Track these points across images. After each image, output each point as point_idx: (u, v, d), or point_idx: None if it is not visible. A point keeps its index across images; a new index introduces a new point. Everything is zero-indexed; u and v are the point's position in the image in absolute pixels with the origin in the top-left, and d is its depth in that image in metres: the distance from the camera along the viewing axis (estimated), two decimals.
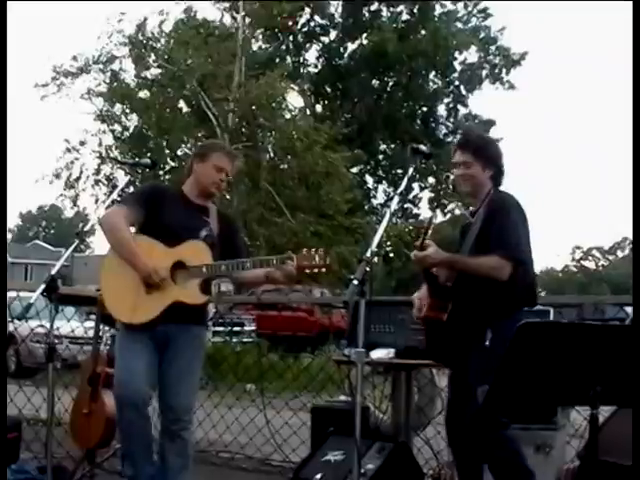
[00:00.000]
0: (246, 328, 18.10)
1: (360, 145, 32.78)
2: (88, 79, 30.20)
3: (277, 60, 34.15)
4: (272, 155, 29.65)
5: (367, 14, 35.45)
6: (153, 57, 30.08)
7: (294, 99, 33.28)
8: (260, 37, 34.87)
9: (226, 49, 28.08)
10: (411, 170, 4.52)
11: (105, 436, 5.52)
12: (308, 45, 36.67)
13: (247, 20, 29.92)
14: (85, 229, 5.29)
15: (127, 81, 30.97)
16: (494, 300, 4.27)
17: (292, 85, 32.21)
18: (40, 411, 7.06)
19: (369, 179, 36.69)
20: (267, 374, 9.59)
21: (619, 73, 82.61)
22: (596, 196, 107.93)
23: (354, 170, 31.92)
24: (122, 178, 27.75)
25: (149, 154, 26.66)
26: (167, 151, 29.96)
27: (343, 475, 4.82)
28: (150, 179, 23.10)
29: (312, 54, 36.89)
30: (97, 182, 29.88)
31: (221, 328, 14.77)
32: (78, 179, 29.92)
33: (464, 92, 36.83)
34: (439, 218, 33.76)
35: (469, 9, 35.88)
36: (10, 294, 7.94)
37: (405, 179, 4.58)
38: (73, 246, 4.90)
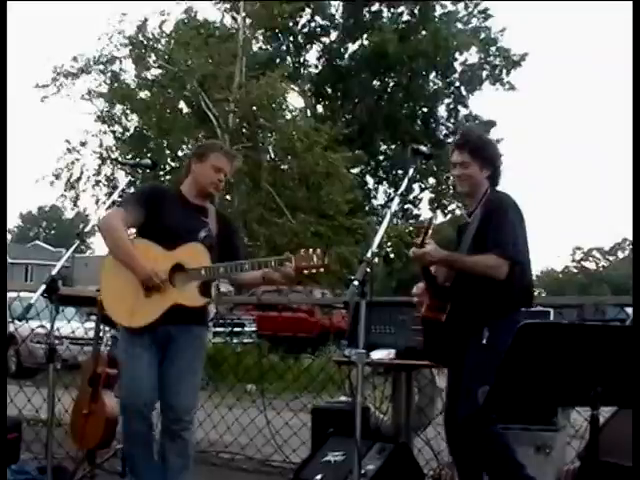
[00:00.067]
0: (247, 329, 18.10)
1: (361, 146, 32.79)
2: (89, 80, 30.22)
3: (277, 61, 34.16)
4: (272, 156, 29.64)
5: (368, 15, 35.45)
6: (153, 57, 30.07)
7: (294, 100, 33.32)
8: (260, 38, 34.89)
9: (227, 50, 28.06)
10: (412, 171, 4.52)
11: (105, 437, 5.52)
12: (309, 46, 36.68)
13: (248, 21, 29.91)
14: (85, 230, 5.26)
15: (127, 82, 30.98)
16: (491, 299, 4.29)
17: (292, 86, 32.21)
18: (40, 412, 7.06)
19: (370, 180, 36.70)
20: (268, 375, 9.60)
21: (619, 74, 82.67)
22: (596, 197, 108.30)
23: (354, 171, 31.90)
24: (122, 179, 27.81)
25: (149, 155, 26.67)
26: (167, 152, 29.95)
27: (343, 476, 4.82)
28: (150, 180, 23.09)
29: (313, 54, 36.94)
30: (97, 183, 29.89)
31: (221, 329, 14.77)
32: (79, 180, 29.92)
33: (464, 93, 36.83)
34: (439, 219, 33.84)
35: (469, 10, 35.89)
36: (10, 295, 7.94)
37: (406, 180, 4.58)
38: (73, 247, 4.89)
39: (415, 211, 36.60)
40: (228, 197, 28.26)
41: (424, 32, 34.29)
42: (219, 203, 25.19)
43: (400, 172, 34.33)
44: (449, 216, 34.31)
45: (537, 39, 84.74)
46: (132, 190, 7.04)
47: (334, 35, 36.50)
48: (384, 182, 36.78)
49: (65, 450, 6.16)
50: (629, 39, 5.83)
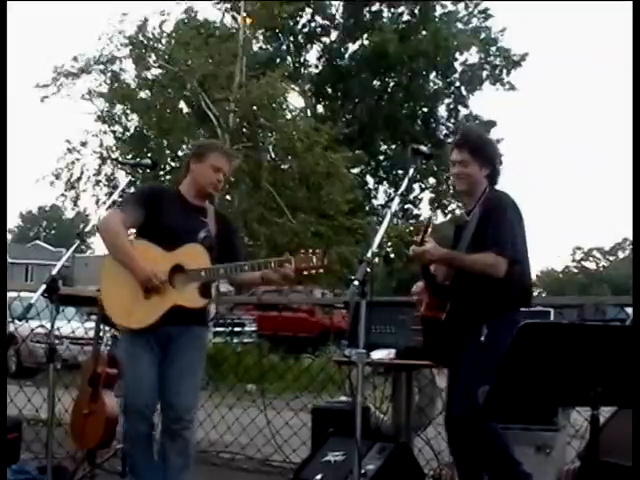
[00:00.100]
0: (247, 329, 18.12)
1: (361, 146, 32.79)
2: (89, 79, 30.21)
3: (278, 60, 34.16)
4: (273, 155, 29.62)
5: (368, 15, 35.45)
6: (154, 57, 30.07)
7: (295, 99, 33.29)
8: (261, 38, 34.89)
9: (227, 49, 28.05)
10: (412, 171, 4.52)
11: (105, 436, 5.52)
12: (309, 45, 36.67)
13: (248, 21, 29.90)
14: (86, 230, 5.26)
15: (128, 81, 30.98)
16: (490, 298, 4.31)
17: (293, 85, 32.20)
18: (40, 411, 7.06)
19: (370, 180, 36.69)
20: (268, 374, 9.61)
21: (619, 74, 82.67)
22: (597, 197, 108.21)
23: (355, 171, 31.88)
24: (123, 179, 27.79)
25: (150, 155, 26.66)
26: (168, 151, 29.93)
27: (344, 476, 4.82)
28: (151, 180, 23.09)
29: (313, 54, 36.92)
30: (98, 182, 29.85)
31: (222, 329, 14.78)
32: (79, 179, 29.90)
33: (465, 93, 36.82)
34: (440, 218, 33.84)
35: (470, 10, 35.89)
36: (11, 294, 7.94)
37: (406, 180, 4.59)
38: (74, 247, 4.90)
39: (415, 211, 36.61)
40: (228, 197, 28.25)
41: (424, 32, 34.29)
42: (219, 203, 25.20)
43: (400, 172, 34.32)
44: (449, 216, 34.31)
45: (537, 39, 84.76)
46: (131, 190, 7.02)
47: (334, 35, 36.50)
48: (384, 182, 36.78)
49: (65, 450, 6.17)
50: (629, 39, 5.83)
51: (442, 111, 37.02)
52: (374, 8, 35.34)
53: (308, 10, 35.24)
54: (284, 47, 36.22)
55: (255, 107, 27.73)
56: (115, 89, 30.20)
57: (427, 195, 36.79)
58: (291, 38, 36.01)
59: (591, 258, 74.08)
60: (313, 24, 36.30)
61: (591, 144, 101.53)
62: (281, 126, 28.21)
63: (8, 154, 6.01)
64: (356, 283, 3.74)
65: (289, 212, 27.23)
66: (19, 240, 73.67)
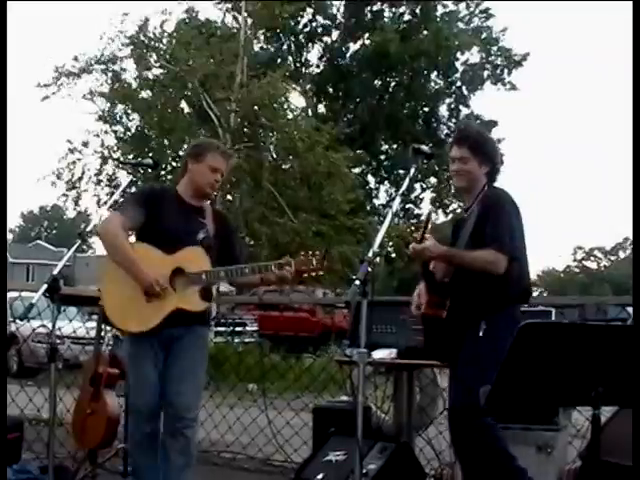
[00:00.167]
0: (248, 328, 18.13)
1: (362, 145, 32.79)
2: (90, 79, 30.22)
3: (279, 60, 34.17)
4: (274, 155, 29.63)
5: (369, 14, 35.44)
6: (155, 57, 30.07)
7: (296, 99, 33.30)
8: (262, 37, 34.88)
9: (228, 49, 28.05)
10: (413, 170, 4.52)
11: (107, 436, 5.53)
12: (310, 45, 36.66)
13: (249, 20, 29.91)
14: (87, 229, 5.26)
15: (129, 81, 31.00)
16: (488, 294, 4.31)
17: (294, 85, 32.21)
18: (42, 411, 7.07)
19: (371, 179, 36.67)
20: (269, 374, 9.61)
21: (620, 74, 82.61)
22: (598, 196, 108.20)
23: (356, 170, 31.87)
24: (124, 178, 27.87)
25: (151, 154, 26.65)
26: (169, 151, 29.92)
27: (345, 475, 4.82)
28: (152, 179, 23.12)
29: (314, 54, 36.92)
30: (99, 182, 29.87)
31: (223, 328, 14.79)
32: (80, 179, 29.92)
33: (466, 92, 36.81)
34: (441, 218, 33.83)
35: (471, 9, 35.88)
36: (12, 294, 7.96)
37: (407, 179, 4.59)
38: (75, 246, 4.91)
39: (416, 211, 36.59)
40: (230, 197, 28.27)
41: (425, 32, 34.28)
42: (221, 203, 25.22)
43: (401, 172, 34.29)
44: (450, 215, 34.29)
45: (539, 39, 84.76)
46: (131, 191, 7.04)
47: (335, 35, 36.47)
48: (385, 182, 36.76)
49: (67, 450, 6.17)
50: (630, 39, 5.82)
51: (443, 111, 37.05)
52: (375, 8, 35.33)
53: (309, 10, 35.23)
54: (285, 47, 36.21)
55: (256, 107, 27.73)
56: (116, 89, 30.21)
57: (428, 195, 36.82)
58: (292, 38, 35.99)
59: (592, 258, 74.10)
60: (314, 24, 36.29)
61: (592, 144, 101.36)
62: (282, 126, 28.21)
63: (9, 154, 6.03)
64: (357, 283, 3.73)
65: (290, 212, 27.24)
66: (20, 240, 73.71)
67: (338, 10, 36.25)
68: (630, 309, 5.68)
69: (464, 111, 36.77)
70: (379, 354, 5.49)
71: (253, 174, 27.75)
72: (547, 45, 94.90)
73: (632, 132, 5.33)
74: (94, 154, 29.98)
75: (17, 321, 9.12)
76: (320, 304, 18.31)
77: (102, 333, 5.80)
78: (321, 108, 36.27)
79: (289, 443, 6.83)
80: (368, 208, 34.75)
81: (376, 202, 36.59)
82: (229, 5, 31.54)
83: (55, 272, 4.48)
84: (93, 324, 6.43)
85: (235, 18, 31.16)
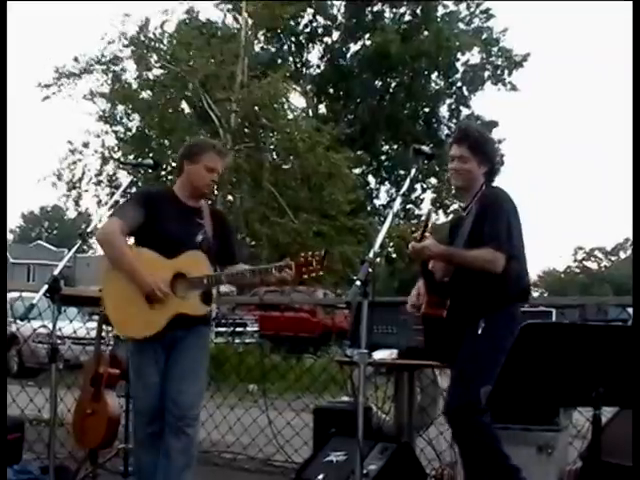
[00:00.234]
0: (249, 329, 18.12)
1: (362, 146, 32.82)
2: (91, 80, 30.27)
3: (279, 61, 34.20)
4: (275, 156, 29.67)
5: (370, 15, 35.46)
6: (155, 57, 30.10)
7: (296, 100, 33.37)
8: (262, 38, 34.90)
9: (229, 50, 28.10)
10: (414, 171, 4.53)
11: (107, 436, 5.52)
12: (310, 46, 36.69)
13: (250, 21, 29.93)
14: (88, 230, 5.26)
15: (129, 82, 31.03)
16: (488, 293, 4.32)
17: (294, 86, 32.24)
18: (43, 411, 7.07)
19: (371, 180, 36.73)
20: (270, 375, 9.61)
21: (621, 74, 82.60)
22: (598, 197, 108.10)
23: (356, 171, 31.92)
24: (124, 179, 27.88)
25: (151, 155, 26.71)
26: (169, 152, 29.96)
27: (345, 476, 4.81)
28: (152, 180, 23.14)
29: (314, 55, 36.96)
30: (99, 183, 29.94)
31: (224, 329, 14.78)
32: (81, 180, 29.97)
33: (466, 93, 36.87)
34: (441, 218, 33.84)
35: (471, 10, 35.91)
36: (13, 295, 7.96)
37: (408, 180, 4.59)
38: (76, 247, 4.90)
39: (417, 211, 36.64)
40: (230, 197, 28.29)
41: (426, 32, 34.32)
42: (221, 203, 25.23)
43: (402, 172, 34.35)
44: (451, 216, 34.29)
45: (539, 40, 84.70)
46: (128, 194, 7.01)
47: (336, 35, 36.52)
48: (386, 182, 36.81)
49: (67, 450, 6.17)
50: (630, 39, 5.82)
51: (444, 111, 37.13)
52: (376, 8, 35.35)
53: (310, 10, 35.28)
54: (286, 47, 36.26)
55: (257, 107, 27.77)
56: (117, 89, 30.26)
57: (429, 195, 36.85)
58: (293, 38, 36.04)
59: (593, 258, 74.03)
60: (315, 24, 36.34)
61: (593, 144, 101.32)
62: (283, 126, 28.26)
63: (10, 154, 6.03)
64: (358, 283, 3.73)
65: (291, 212, 27.28)
66: (21, 240, 73.72)
67: (339, 10, 36.30)
68: (631, 309, 5.67)
69: (464, 111, 36.87)
70: (380, 354, 5.49)
71: (254, 174, 27.79)
72: (547, 46, 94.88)
73: (632, 133, 5.33)
74: (94, 154, 30.04)
75: (18, 321, 9.13)
76: (321, 304, 18.29)
77: (103, 333, 5.80)
78: (322, 108, 36.32)
79: (290, 443, 6.82)
80: (369, 208, 34.80)
81: (377, 202, 36.68)
82: (230, 6, 31.56)
83: (56, 272, 4.48)
84: (94, 324, 6.43)
85: (236, 19, 31.20)
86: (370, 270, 3.78)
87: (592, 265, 73.86)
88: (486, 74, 36.12)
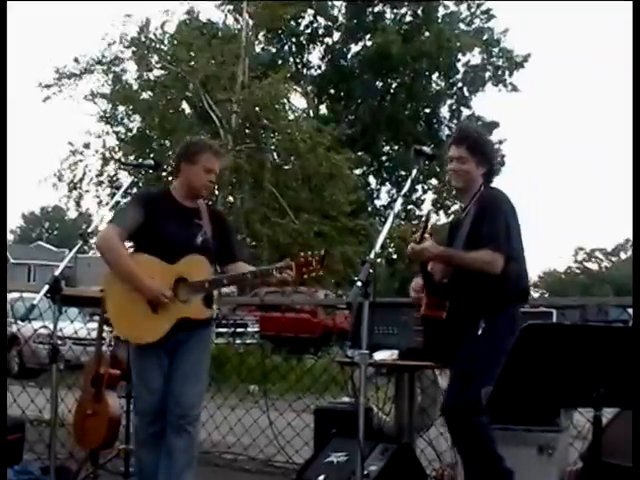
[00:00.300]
0: (249, 329, 18.12)
1: (363, 146, 32.82)
2: (91, 80, 30.28)
3: (280, 62, 34.19)
4: (275, 156, 29.67)
5: (370, 16, 35.47)
6: (156, 58, 30.12)
7: (297, 100, 33.37)
8: (263, 39, 34.91)
9: (229, 50, 28.10)
10: (415, 171, 4.53)
11: (108, 437, 5.52)
12: (311, 47, 36.70)
13: (250, 22, 29.94)
14: (88, 230, 5.26)
15: (130, 82, 31.03)
16: (487, 294, 4.33)
17: (295, 86, 32.25)
18: (43, 412, 7.07)
19: (372, 180, 36.76)
20: (270, 375, 9.59)
21: (621, 75, 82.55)
22: (599, 197, 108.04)
23: (357, 171, 31.93)
24: (125, 179, 27.89)
25: (152, 155, 26.70)
26: (170, 152, 29.95)
27: (346, 476, 4.81)
28: (153, 180, 23.13)
29: (315, 55, 36.97)
30: (100, 183, 29.94)
31: (225, 329, 14.78)
32: (81, 180, 29.98)
33: (467, 94, 36.89)
34: (442, 219, 33.84)
35: (472, 10, 35.91)
36: (13, 295, 7.96)
37: (409, 181, 4.60)
38: (76, 247, 4.91)
39: (417, 212, 36.62)
40: (231, 198, 28.30)
41: (427, 33, 34.34)
42: (222, 204, 25.23)
43: (403, 173, 34.36)
44: (452, 217, 34.28)
45: (540, 40, 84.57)
46: (128, 197, 6.99)
47: (337, 36, 36.56)
48: (387, 183, 36.84)
49: (68, 450, 6.16)
50: (630, 40, 5.82)
51: (444, 112, 37.15)
52: (377, 9, 35.36)
53: (310, 11, 35.30)
54: (286, 48, 36.26)
55: (257, 108, 27.78)
56: (117, 90, 30.27)
57: (430, 196, 36.86)
58: (293, 39, 36.06)
59: (593, 259, 74.01)
60: (315, 25, 36.36)
61: (593, 145, 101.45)
62: (284, 127, 28.27)
63: (10, 154, 6.03)
64: (359, 284, 3.73)
65: (292, 213, 27.27)
66: (22, 241, 73.70)
67: (339, 11, 36.33)
68: (631, 310, 5.67)
69: (465, 112, 36.89)
70: (380, 355, 5.49)
71: (254, 175, 27.80)
72: (548, 46, 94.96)
73: (632, 133, 5.33)
74: (95, 155, 30.05)
75: (18, 322, 9.14)
76: (321, 305, 18.29)
77: (103, 334, 5.80)
78: (322, 109, 36.33)
79: (290, 444, 6.82)
80: (369, 209, 34.82)
81: (377, 203, 36.71)
82: (231, 7, 31.57)
83: (56, 273, 4.49)
84: (94, 325, 6.43)
85: (236, 19, 31.20)
86: (371, 271, 3.79)
87: (593, 266, 73.87)
88: (487, 75, 36.14)
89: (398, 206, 4.79)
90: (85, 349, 8.87)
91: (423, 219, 4.55)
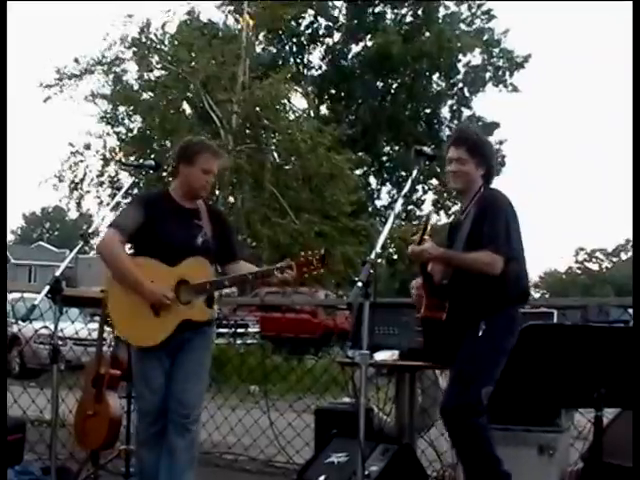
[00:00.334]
0: (250, 330, 18.12)
1: (364, 147, 32.81)
2: (92, 81, 30.28)
3: (281, 62, 34.19)
4: (276, 157, 29.67)
5: (371, 16, 35.46)
6: (156, 59, 30.12)
7: (298, 101, 33.37)
8: (264, 39, 34.91)
9: (230, 51, 28.10)
10: (415, 172, 4.53)
11: (109, 437, 5.52)
12: (312, 47, 36.70)
13: (251, 22, 29.93)
14: (89, 231, 5.26)
15: (130, 83, 31.04)
16: (487, 295, 4.33)
17: (296, 87, 32.24)
18: (44, 412, 7.06)
19: (373, 181, 36.75)
20: (271, 376, 9.59)
21: (621, 75, 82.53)
22: (599, 198, 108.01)
23: (358, 172, 31.92)
24: (126, 180, 27.89)
25: (153, 156, 26.70)
26: (171, 153, 29.94)
27: (347, 477, 4.81)
28: (154, 181, 23.13)
29: (316, 56, 36.98)
30: (101, 184, 29.93)
31: (225, 330, 14.78)
32: (82, 181, 29.98)
33: (468, 94, 36.88)
34: (443, 220, 33.84)
35: (473, 11, 35.91)
36: (14, 295, 7.96)
37: (409, 181, 4.60)
38: (77, 248, 4.92)
39: (418, 212, 36.63)
40: (232, 199, 28.29)
41: (428, 33, 34.34)
42: (223, 204, 25.23)
43: (403, 173, 34.35)
44: (452, 217, 34.27)
45: (540, 41, 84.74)
46: (129, 197, 6.99)
47: (337, 36, 36.55)
48: (387, 183, 36.83)
49: (69, 451, 6.17)
50: (630, 40, 5.82)
51: (445, 112, 37.14)
52: (377, 9, 35.36)
53: (311, 11, 35.29)
54: (287, 48, 36.25)
55: (258, 108, 27.78)
56: (118, 91, 30.26)
57: (430, 196, 36.85)
58: (294, 39, 36.05)
59: (594, 259, 73.96)
60: (316, 25, 36.35)
61: (594, 145, 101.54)
62: (284, 127, 28.26)
63: (11, 155, 6.02)
64: (359, 284, 3.73)
65: (292, 213, 27.26)
66: (22, 241, 73.71)
67: (340, 12, 36.33)
68: (632, 311, 5.67)
69: (466, 113, 36.88)
70: (381, 356, 5.49)
71: (255, 175, 27.79)
72: (549, 47, 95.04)
73: (632, 133, 5.33)
74: (96, 155, 30.06)
75: (19, 322, 9.14)
76: (322, 305, 18.30)
77: (104, 334, 5.80)
78: (323, 110, 36.31)
79: (291, 445, 6.82)
80: (370, 209, 34.81)
81: (378, 203, 36.69)
82: (231, 7, 31.57)
83: (57, 273, 4.48)
84: (95, 325, 6.44)
85: (237, 20, 31.20)
86: (371, 271, 3.79)
87: (593, 266, 73.83)
88: (487, 75, 36.13)
89: (399, 206, 4.81)
90: (86, 349, 8.87)
91: (423, 220, 4.56)
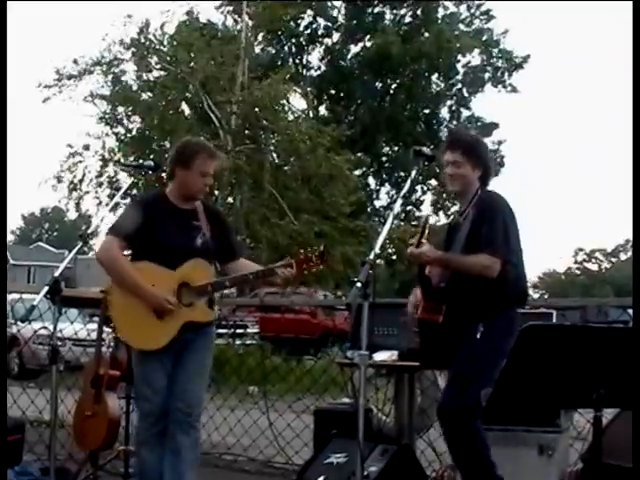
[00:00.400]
0: (249, 330, 18.13)
1: (363, 147, 32.81)
2: (91, 82, 30.27)
3: (280, 62, 34.19)
4: (275, 157, 29.68)
5: (370, 16, 35.46)
6: (155, 59, 30.11)
7: (297, 101, 33.35)
8: (263, 40, 34.91)
9: (229, 51, 28.10)
10: (414, 172, 4.53)
11: (108, 438, 5.53)
12: (311, 47, 36.70)
13: (250, 22, 29.94)
14: (88, 231, 5.27)
15: (129, 83, 31.04)
16: (485, 297, 4.34)
17: (295, 87, 32.24)
18: (43, 413, 7.07)
19: (372, 181, 36.74)
20: (270, 376, 9.59)
21: (621, 76, 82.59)
22: (599, 198, 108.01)
23: (357, 172, 31.92)
24: (125, 180, 27.89)
25: (152, 156, 26.68)
26: (167, 155, 29.92)
27: (346, 477, 4.82)
28: (153, 181, 23.12)
29: (315, 56, 36.97)
30: (100, 185, 29.93)
31: (224, 330, 14.78)
32: (81, 181, 29.97)
33: (467, 95, 36.88)
34: (442, 220, 33.82)
35: (472, 11, 35.92)
36: (13, 296, 7.97)
37: (409, 181, 4.60)
38: (76, 248, 4.92)
39: (417, 213, 36.62)
40: (231, 199, 28.29)
41: (427, 34, 34.34)
42: (222, 204, 25.22)
43: (402, 174, 34.35)
44: (451, 218, 34.22)
45: (539, 41, 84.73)
46: (128, 198, 7.01)
47: (336, 37, 36.54)
48: (386, 184, 36.82)
49: (68, 451, 6.17)
50: (630, 41, 5.82)
51: (444, 113, 37.14)
52: (376, 10, 35.36)
53: (310, 12, 35.28)
54: (286, 49, 36.24)
55: (257, 109, 27.78)
56: (117, 91, 30.26)
57: (429, 197, 36.86)
58: (293, 40, 36.03)
59: (593, 259, 73.94)
60: (315, 26, 36.34)
61: (593, 145, 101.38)
62: (283, 128, 28.26)
63: (10, 155, 6.03)
64: (359, 285, 3.73)
65: (291, 214, 27.26)
66: (21, 242, 73.66)
67: (339, 12, 36.32)
68: (632, 311, 5.67)
69: (465, 113, 36.91)
70: (380, 356, 5.49)
71: (254, 176, 27.79)
72: (548, 47, 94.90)
73: (632, 134, 5.33)
74: (95, 156, 30.05)
75: (18, 323, 9.16)
76: (321, 306, 18.32)
77: (103, 335, 5.80)
78: (322, 110, 36.31)
79: (290, 445, 6.82)
80: (369, 210, 34.81)
81: (377, 204, 36.68)
82: (230, 8, 31.58)
83: (56, 274, 4.49)
84: (94, 326, 6.44)
85: (236, 20, 31.20)
86: (370, 272, 3.79)
87: (593, 266, 73.79)
88: (486, 75, 36.14)
89: (398, 207, 4.81)
90: (85, 350, 8.88)
91: (421, 223, 4.55)
